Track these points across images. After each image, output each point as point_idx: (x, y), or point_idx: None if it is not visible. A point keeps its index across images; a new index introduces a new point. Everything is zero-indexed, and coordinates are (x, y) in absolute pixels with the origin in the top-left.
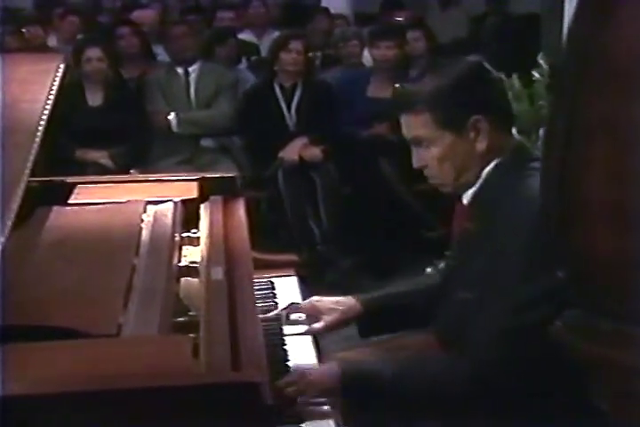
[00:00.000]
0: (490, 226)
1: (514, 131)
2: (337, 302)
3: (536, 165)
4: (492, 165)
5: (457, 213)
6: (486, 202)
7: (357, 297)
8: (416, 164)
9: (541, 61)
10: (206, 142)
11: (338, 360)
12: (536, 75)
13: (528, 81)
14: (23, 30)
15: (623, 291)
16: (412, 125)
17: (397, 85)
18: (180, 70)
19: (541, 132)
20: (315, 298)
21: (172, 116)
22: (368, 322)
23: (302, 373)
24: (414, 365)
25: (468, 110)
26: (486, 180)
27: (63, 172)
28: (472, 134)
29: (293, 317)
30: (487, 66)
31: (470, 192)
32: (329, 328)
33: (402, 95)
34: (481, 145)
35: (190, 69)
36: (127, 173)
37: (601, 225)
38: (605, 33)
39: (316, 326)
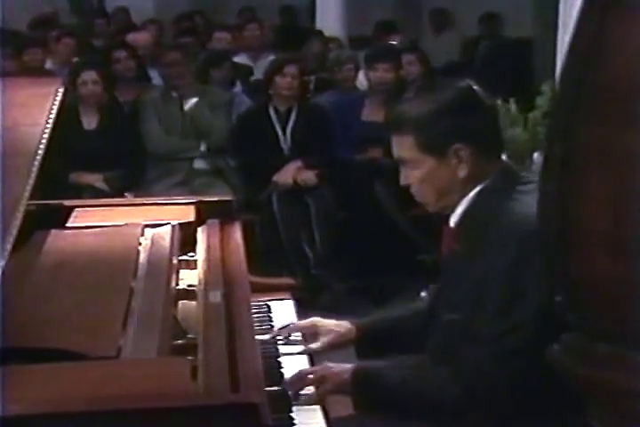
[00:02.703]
0: (475, 248)
1: (504, 156)
2: (336, 325)
3: (523, 188)
4: (477, 189)
5: (444, 235)
6: (472, 225)
7: (353, 321)
8: (402, 182)
9: (545, 89)
10: (200, 165)
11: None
12: (538, 101)
13: (525, 106)
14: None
15: (621, 315)
16: (398, 146)
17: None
18: (175, 94)
19: (535, 157)
20: (315, 318)
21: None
22: (365, 344)
23: (325, 365)
24: (414, 377)
25: (450, 138)
26: (472, 203)
27: (57, 195)
28: (454, 161)
29: (292, 337)
30: (479, 91)
31: (457, 214)
32: (326, 348)
33: (390, 116)
34: (462, 172)
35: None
36: (122, 196)
37: (599, 252)
38: (600, 62)
39: (314, 345)
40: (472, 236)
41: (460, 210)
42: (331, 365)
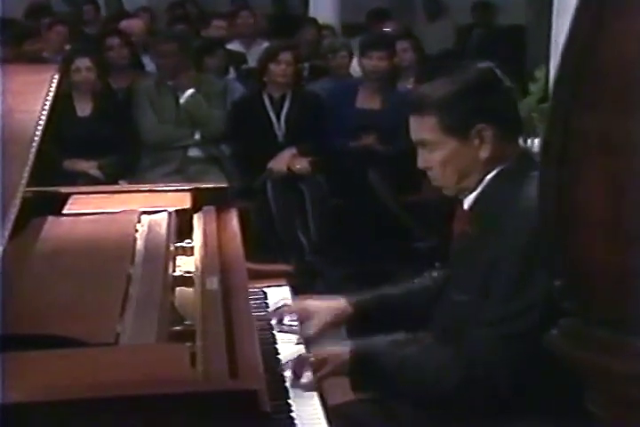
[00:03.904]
0: (488, 232)
1: None
2: (327, 304)
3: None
4: (494, 171)
5: (457, 217)
6: (486, 208)
7: (348, 299)
8: (420, 165)
9: (539, 75)
10: (195, 153)
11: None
12: (532, 88)
13: (519, 92)
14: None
15: (620, 300)
16: (419, 128)
17: (410, 87)
18: (169, 82)
19: (529, 142)
20: (305, 299)
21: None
22: (358, 323)
23: (325, 348)
24: (414, 358)
25: (474, 118)
26: (488, 186)
27: (52, 182)
28: (476, 141)
29: (286, 320)
30: (499, 72)
31: (471, 197)
32: (321, 332)
33: (412, 97)
34: (484, 152)
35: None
36: (116, 183)
37: (598, 238)
38: (600, 49)
39: (309, 331)
40: (485, 219)
41: (475, 193)
42: (330, 347)
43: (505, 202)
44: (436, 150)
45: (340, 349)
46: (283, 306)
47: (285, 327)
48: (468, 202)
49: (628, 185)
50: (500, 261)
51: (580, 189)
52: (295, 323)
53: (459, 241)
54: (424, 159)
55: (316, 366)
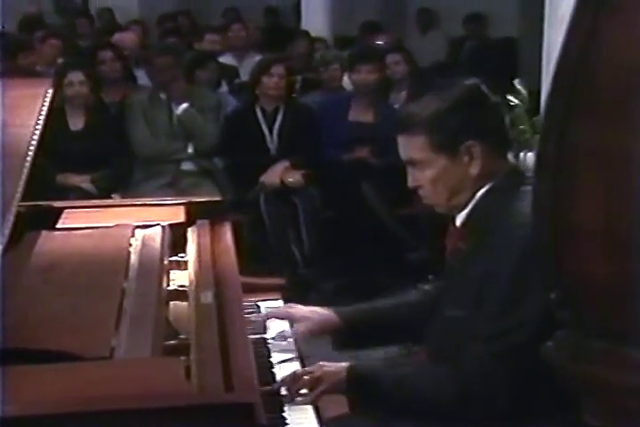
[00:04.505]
0: (480, 247)
1: None
2: (312, 311)
3: (529, 188)
4: (485, 188)
5: (450, 234)
6: (478, 224)
7: (336, 310)
8: (410, 184)
9: (519, 87)
10: (188, 166)
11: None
12: (513, 100)
13: (510, 104)
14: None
15: (618, 312)
16: (408, 147)
17: (396, 106)
18: (163, 96)
19: (521, 156)
20: (289, 305)
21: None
22: (344, 336)
23: (320, 365)
24: (411, 376)
25: (463, 135)
26: (479, 202)
27: (44, 197)
28: (465, 158)
29: (275, 327)
30: (485, 89)
31: (463, 214)
32: (302, 337)
33: (401, 116)
34: (474, 169)
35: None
36: (109, 197)
37: (594, 249)
38: (594, 60)
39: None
40: (478, 235)
41: (467, 210)
42: (325, 364)
43: (497, 217)
44: (426, 169)
45: (336, 366)
46: (268, 313)
47: (277, 337)
48: (460, 219)
49: (624, 196)
50: (492, 276)
51: (576, 201)
52: (289, 336)
53: (452, 257)
54: (414, 178)
55: (312, 385)
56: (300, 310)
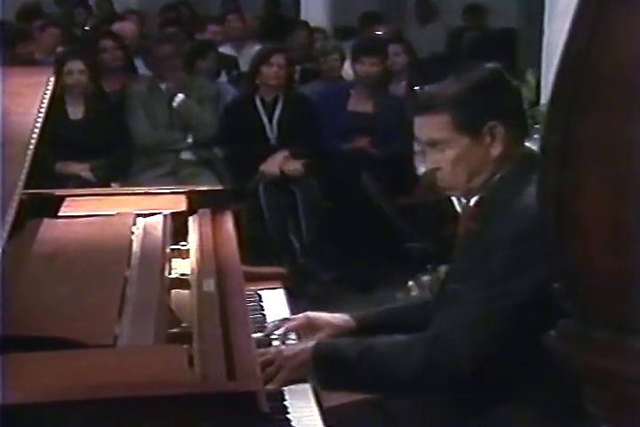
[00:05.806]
0: (488, 222)
1: None
2: (332, 317)
3: None
4: (502, 172)
5: (462, 215)
6: (488, 205)
7: (351, 314)
8: (429, 165)
9: (529, 77)
10: (187, 155)
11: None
12: (523, 91)
13: None
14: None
15: (621, 301)
16: (429, 127)
17: (417, 88)
18: (162, 86)
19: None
20: (309, 313)
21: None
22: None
23: (278, 350)
24: (376, 347)
25: (487, 115)
26: (497, 185)
27: (42, 185)
28: (487, 139)
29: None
30: (505, 73)
31: (477, 197)
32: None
33: (422, 96)
34: (495, 151)
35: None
36: (108, 186)
37: (598, 239)
38: (599, 51)
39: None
40: (486, 215)
41: (483, 192)
42: (283, 348)
43: (506, 200)
44: (446, 149)
45: (293, 349)
46: (284, 319)
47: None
48: (474, 199)
49: (629, 187)
50: (493, 247)
51: (581, 192)
52: (294, 337)
53: (462, 237)
54: (434, 159)
55: (273, 374)
56: (320, 316)
